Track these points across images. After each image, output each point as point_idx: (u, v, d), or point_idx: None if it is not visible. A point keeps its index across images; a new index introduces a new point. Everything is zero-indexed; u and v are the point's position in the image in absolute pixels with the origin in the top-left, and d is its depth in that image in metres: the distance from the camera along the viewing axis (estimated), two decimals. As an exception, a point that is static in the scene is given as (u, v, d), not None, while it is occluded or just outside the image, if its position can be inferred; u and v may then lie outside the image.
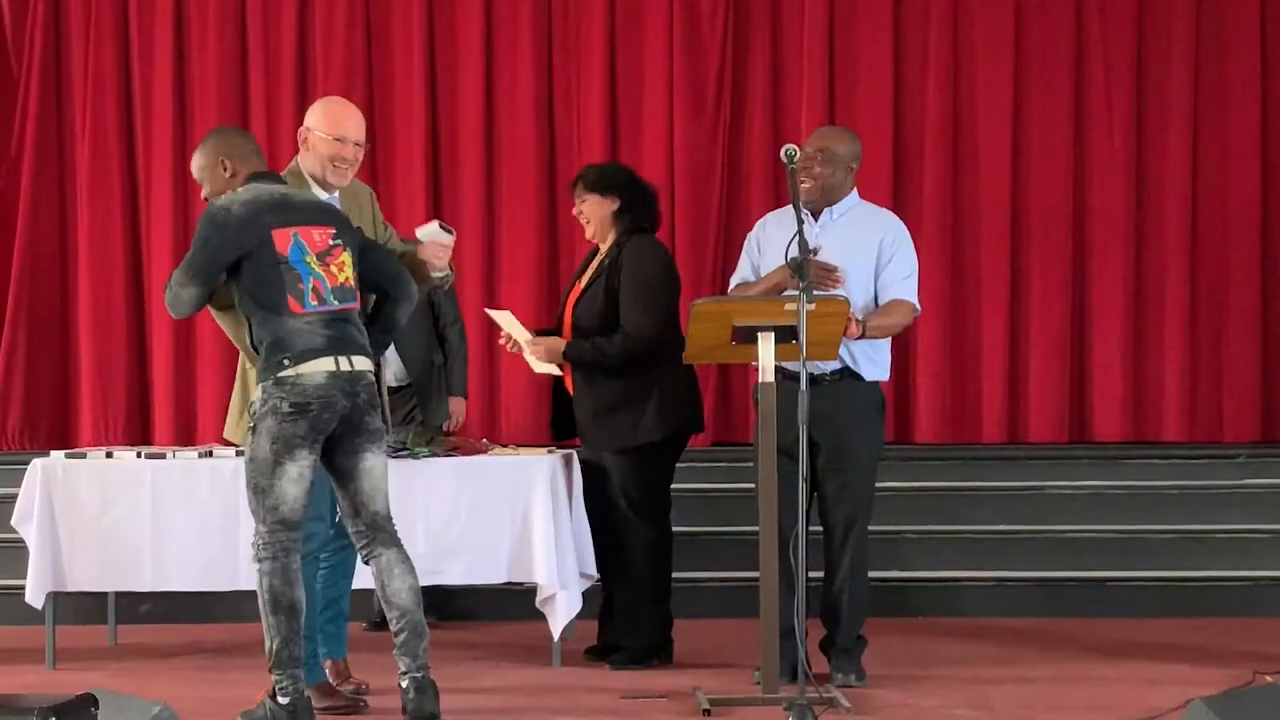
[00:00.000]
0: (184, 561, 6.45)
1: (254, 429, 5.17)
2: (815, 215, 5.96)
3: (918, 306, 6.03)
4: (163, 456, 6.58)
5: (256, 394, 5.22)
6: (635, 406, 6.25)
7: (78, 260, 9.05)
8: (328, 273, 5.24)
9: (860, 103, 8.94)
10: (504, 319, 6.44)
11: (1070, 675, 6.19)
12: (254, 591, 6.23)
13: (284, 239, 5.20)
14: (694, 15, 8.95)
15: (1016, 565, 7.75)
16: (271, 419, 5.12)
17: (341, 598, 5.97)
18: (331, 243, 5.28)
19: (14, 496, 6.56)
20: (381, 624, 7.08)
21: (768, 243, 6.05)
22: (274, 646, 5.16)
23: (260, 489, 5.16)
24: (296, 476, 5.14)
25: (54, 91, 9.11)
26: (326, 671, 5.93)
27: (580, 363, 6.28)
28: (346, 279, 5.30)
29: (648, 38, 8.99)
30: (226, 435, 5.90)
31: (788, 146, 5.62)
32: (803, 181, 5.90)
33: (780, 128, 8.90)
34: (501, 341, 6.56)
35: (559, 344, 6.30)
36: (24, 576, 6.47)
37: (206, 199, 5.44)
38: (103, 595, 7.05)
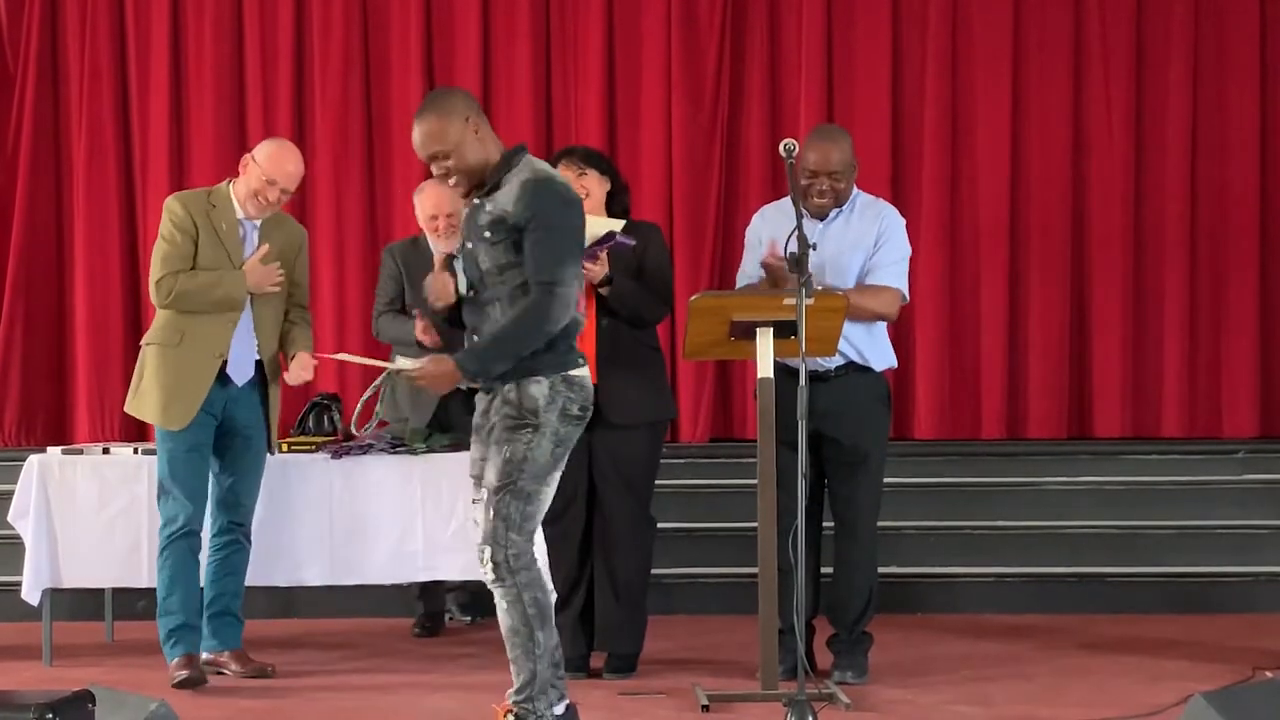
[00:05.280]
0: (181, 558, 6.42)
1: (534, 428, 4.60)
2: (821, 218, 5.94)
3: (905, 295, 6.00)
4: (159, 453, 6.56)
5: (534, 387, 4.63)
6: (656, 383, 6.16)
7: (74, 257, 9.03)
8: None
9: (858, 98, 8.92)
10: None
11: (1070, 671, 6.18)
12: (252, 587, 6.23)
13: None
14: (692, 9, 8.93)
15: (1016, 561, 7.73)
16: (559, 420, 4.61)
17: (226, 595, 6.04)
18: None
19: (10, 493, 6.54)
20: (428, 629, 7.07)
21: (771, 236, 6.03)
22: (537, 668, 4.58)
23: (526, 494, 4.59)
24: (558, 483, 4.74)
25: (50, 88, 9.08)
26: (228, 660, 6.08)
27: (621, 295, 5.99)
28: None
29: (645, 32, 8.97)
30: (128, 409, 6.01)
31: (786, 141, 5.60)
32: (820, 196, 5.88)
33: (778, 122, 8.90)
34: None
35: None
36: (20, 573, 6.45)
37: (458, 174, 4.80)
38: (100, 591, 7.02)
